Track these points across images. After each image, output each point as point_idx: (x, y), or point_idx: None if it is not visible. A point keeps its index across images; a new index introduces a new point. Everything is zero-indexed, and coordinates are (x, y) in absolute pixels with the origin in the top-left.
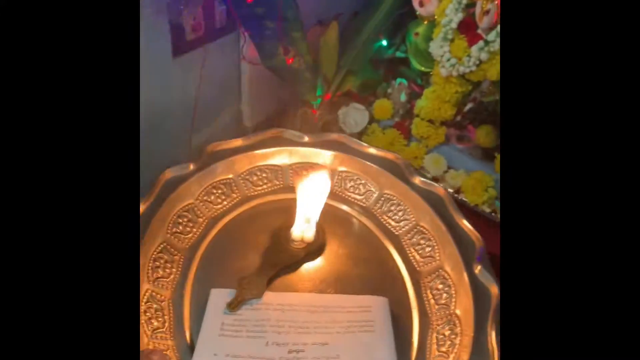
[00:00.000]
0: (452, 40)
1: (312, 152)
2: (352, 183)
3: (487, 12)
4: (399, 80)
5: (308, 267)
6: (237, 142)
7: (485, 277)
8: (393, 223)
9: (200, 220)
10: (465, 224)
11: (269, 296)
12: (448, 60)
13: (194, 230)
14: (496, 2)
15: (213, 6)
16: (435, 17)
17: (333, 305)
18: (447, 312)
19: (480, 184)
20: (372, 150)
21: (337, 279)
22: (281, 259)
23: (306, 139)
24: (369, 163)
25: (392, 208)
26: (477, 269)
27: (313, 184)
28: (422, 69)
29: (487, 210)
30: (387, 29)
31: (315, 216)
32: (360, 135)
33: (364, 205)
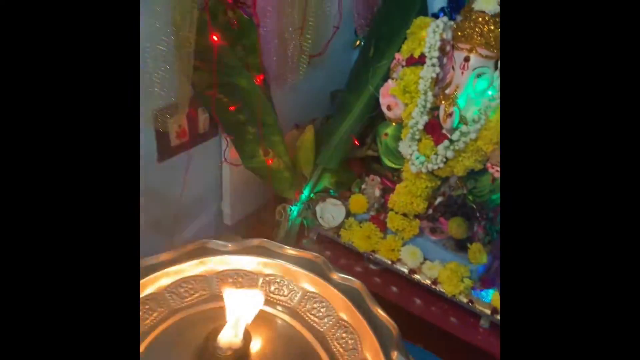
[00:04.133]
0: (419, 140)
1: (235, 259)
2: (275, 285)
3: (450, 114)
4: (372, 176)
5: None
6: (164, 257)
7: None
8: (317, 320)
9: None
10: (381, 312)
11: None
12: (417, 158)
13: None
14: (457, 106)
15: (197, 114)
16: (403, 119)
17: None
18: None
19: (456, 275)
20: (292, 252)
21: None
22: None
23: (229, 246)
24: (290, 265)
25: (316, 305)
26: (394, 355)
27: (245, 297)
28: (393, 165)
29: (464, 300)
30: (359, 131)
31: (245, 323)
32: (338, 229)
33: (289, 305)
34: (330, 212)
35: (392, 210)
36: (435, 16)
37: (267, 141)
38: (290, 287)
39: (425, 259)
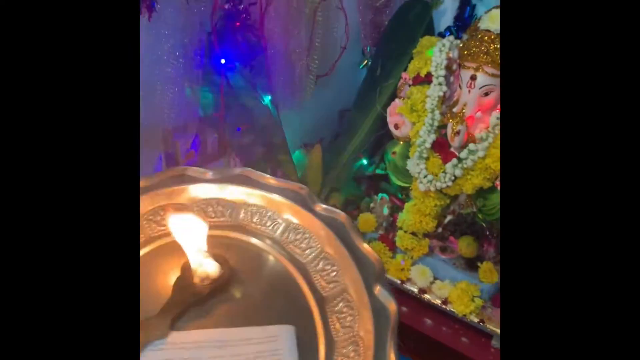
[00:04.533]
0: (427, 159)
1: (216, 187)
2: (258, 216)
3: (458, 132)
4: (380, 195)
5: (215, 302)
6: (143, 183)
7: (384, 296)
8: (299, 251)
9: None
10: (365, 246)
11: (173, 336)
12: (425, 176)
13: None
14: (465, 124)
15: (205, 135)
16: (411, 137)
17: (239, 339)
18: (352, 333)
19: (467, 294)
20: (275, 182)
21: (245, 312)
22: (185, 298)
23: (209, 174)
24: (273, 195)
25: (298, 237)
26: (377, 289)
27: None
28: (401, 184)
29: (475, 320)
30: (367, 149)
31: (204, 247)
32: None
33: (271, 236)
34: None
35: (400, 229)
36: (442, 35)
37: (275, 160)
38: (273, 217)
39: (435, 278)
